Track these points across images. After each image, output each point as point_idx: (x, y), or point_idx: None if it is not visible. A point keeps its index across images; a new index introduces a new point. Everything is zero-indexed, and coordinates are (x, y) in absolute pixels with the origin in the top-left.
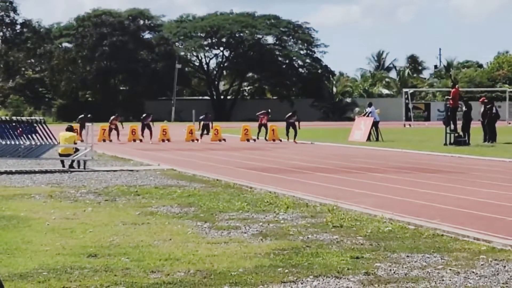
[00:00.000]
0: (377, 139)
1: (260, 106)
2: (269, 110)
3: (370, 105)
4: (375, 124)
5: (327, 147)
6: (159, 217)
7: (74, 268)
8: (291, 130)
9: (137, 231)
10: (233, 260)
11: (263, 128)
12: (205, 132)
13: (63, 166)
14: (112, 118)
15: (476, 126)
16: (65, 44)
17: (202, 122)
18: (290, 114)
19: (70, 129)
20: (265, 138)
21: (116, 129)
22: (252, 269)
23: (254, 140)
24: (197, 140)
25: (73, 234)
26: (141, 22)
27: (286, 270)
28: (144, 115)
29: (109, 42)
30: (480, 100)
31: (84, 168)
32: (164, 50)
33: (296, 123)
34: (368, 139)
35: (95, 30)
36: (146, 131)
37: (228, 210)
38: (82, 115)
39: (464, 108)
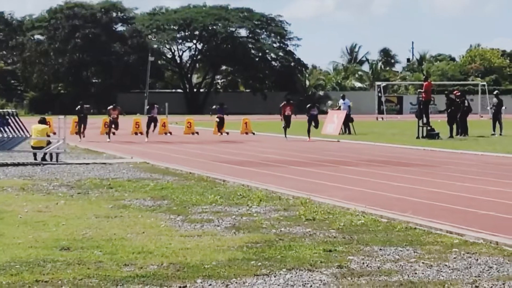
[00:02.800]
0: (349, 133)
1: (233, 99)
2: (291, 101)
3: (343, 98)
4: (346, 117)
5: (300, 140)
6: (132, 210)
7: (46, 261)
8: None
9: (110, 224)
10: (206, 253)
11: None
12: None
13: (35, 159)
14: (109, 108)
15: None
16: (37, 36)
17: (216, 115)
18: (309, 105)
19: (42, 121)
20: (284, 129)
21: (115, 122)
22: (225, 262)
23: (227, 133)
24: (170, 133)
25: (45, 227)
26: (114, 14)
27: (259, 263)
28: (147, 107)
29: (82, 35)
30: (454, 93)
31: (57, 161)
32: (137, 43)
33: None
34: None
35: (67, 23)
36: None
37: (201, 203)
38: (78, 106)
39: (446, 102)
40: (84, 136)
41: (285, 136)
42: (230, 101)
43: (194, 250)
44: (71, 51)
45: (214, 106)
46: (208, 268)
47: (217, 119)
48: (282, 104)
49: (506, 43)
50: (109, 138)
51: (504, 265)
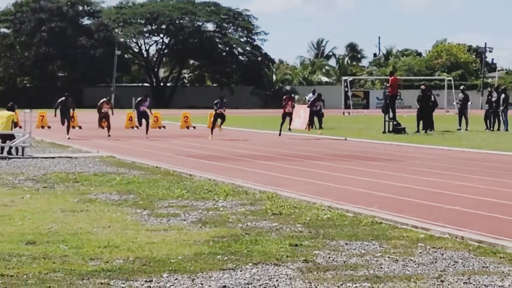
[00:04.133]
0: (320, 127)
1: (200, 94)
2: (292, 94)
3: (313, 92)
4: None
5: (266, 134)
6: (98, 204)
7: (12, 255)
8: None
9: (76, 218)
10: (172, 248)
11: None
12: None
13: (1, 152)
14: (102, 101)
15: (414, 114)
16: (3, 30)
17: (216, 111)
18: (314, 98)
19: (10, 108)
20: (289, 128)
21: (107, 117)
22: (191, 257)
23: (194, 127)
24: (137, 127)
25: (11, 221)
26: (80, 8)
27: (225, 258)
28: (139, 98)
29: (48, 28)
30: (421, 87)
31: (23, 155)
32: (104, 37)
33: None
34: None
35: (33, 16)
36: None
37: (168, 197)
38: (63, 98)
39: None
40: (69, 137)
41: (279, 134)
42: (197, 96)
43: (160, 244)
44: (37, 44)
45: (216, 101)
46: (174, 263)
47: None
48: (285, 97)
49: (472, 38)
50: (108, 133)
51: (469, 259)
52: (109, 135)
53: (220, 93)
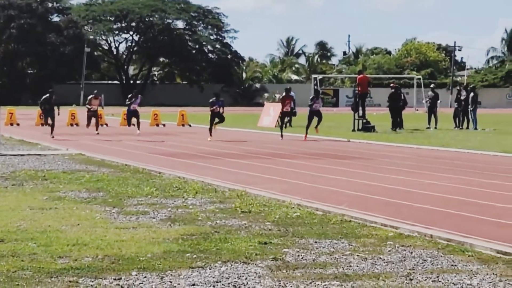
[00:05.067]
0: (290, 125)
1: (169, 91)
2: (291, 92)
3: (289, 90)
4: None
5: (236, 132)
6: (67, 202)
7: None
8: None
9: (45, 216)
10: (141, 245)
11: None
12: (216, 121)
13: None
14: (90, 97)
15: (385, 113)
16: None
17: (212, 110)
18: (312, 96)
19: None
20: (286, 125)
21: (95, 115)
22: (160, 254)
23: (164, 125)
24: (107, 124)
25: None
26: (50, 4)
27: (195, 256)
28: (129, 95)
29: (17, 25)
30: (391, 85)
31: None
32: (73, 34)
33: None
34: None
35: (2, 13)
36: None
37: (137, 195)
38: (47, 95)
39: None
40: (53, 136)
41: (281, 136)
42: (167, 93)
43: (129, 242)
44: (6, 41)
45: (211, 100)
46: (143, 261)
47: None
48: (282, 96)
49: (442, 37)
50: (96, 132)
51: (438, 258)
52: (97, 133)
53: (190, 90)
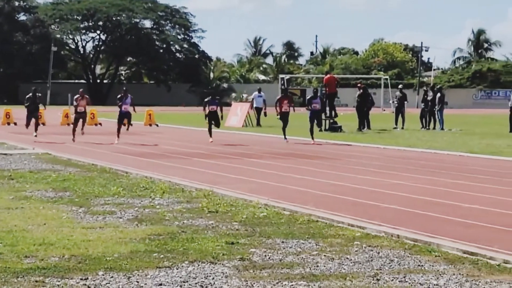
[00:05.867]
0: (257, 124)
1: (137, 91)
2: (289, 92)
3: (259, 91)
4: (259, 110)
5: (203, 132)
6: (33, 201)
7: None
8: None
9: (11, 216)
10: (108, 245)
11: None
12: (213, 123)
13: None
14: (76, 97)
15: (352, 113)
16: None
17: (208, 109)
18: (311, 96)
19: None
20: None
21: (83, 117)
22: (127, 254)
23: (131, 124)
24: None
25: None
26: (16, 3)
27: (162, 255)
28: (119, 95)
29: None
30: (358, 85)
31: None
32: (40, 33)
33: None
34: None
35: None
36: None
37: (104, 195)
38: (30, 94)
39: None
40: (36, 135)
41: (285, 137)
42: (134, 93)
43: (96, 242)
44: None
45: (206, 99)
46: (110, 260)
47: (208, 114)
48: (279, 97)
49: (409, 37)
50: (82, 132)
51: (405, 258)
52: (83, 133)
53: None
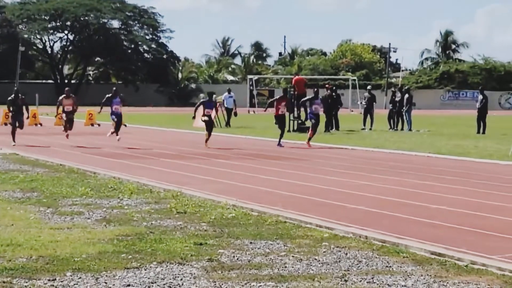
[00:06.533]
0: (227, 125)
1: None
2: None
3: (229, 91)
4: (229, 110)
5: (172, 132)
6: (0, 202)
7: None
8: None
9: None
10: (76, 246)
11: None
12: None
13: None
14: (61, 98)
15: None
16: None
17: (205, 111)
18: (312, 97)
19: None
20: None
21: (71, 117)
22: (95, 255)
23: (98, 125)
24: (41, 124)
25: None
26: None
27: (130, 256)
28: (107, 95)
29: None
30: (326, 86)
31: None
32: (7, 32)
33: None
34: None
35: None
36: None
37: (72, 195)
38: (13, 95)
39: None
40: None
41: (279, 143)
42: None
43: (64, 242)
44: None
45: (202, 99)
46: (78, 261)
47: (205, 118)
48: (276, 98)
49: (377, 38)
50: (66, 132)
51: (373, 259)
52: (67, 136)
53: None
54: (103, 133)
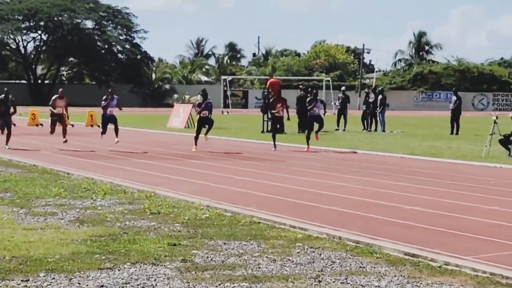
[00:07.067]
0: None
1: (78, 91)
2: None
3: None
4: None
5: (146, 133)
6: None
7: None
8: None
9: None
10: (49, 247)
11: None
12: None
13: None
14: (54, 98)
15: (292, 114)
16: None
17: (200, 113)
18: (310, 98)
19: None
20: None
21: (61, 119)
22: (69, 256)
23: (72, 125)
24: (14, 124)
25: None
26: None
27: (103, 257)
28: (104, 97)
29: None
30: (300, 87)
31: None
32: None
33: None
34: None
35: None
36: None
37: (45, 196)
38: (2, 95)
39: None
40: (8, 143)
41: (274, 146)
42: (75, 93)
43: (37, 243)
44: None
45: (197, 101)
46: (52, 262)
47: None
48: (272, 99)
49: (351, 39)
50: (64, 137)
51: (346, 259)
52: (65, 140)
53: (99, 91)
54: (77, 133)
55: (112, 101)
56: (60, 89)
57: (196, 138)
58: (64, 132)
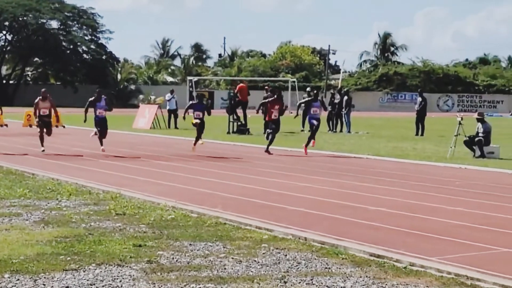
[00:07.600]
0: (175, 127)
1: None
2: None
3: (171, 92)
4: (172, 112)
5: (111, 134)
6: None
7: None
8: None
9: None
10: (14, 248)
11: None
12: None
13: None
14: (37, 100)
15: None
16: None
17: (194, 115)
18: (309, 99)
19: None
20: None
21: (46, 122)
22: (34, 257)
23: (6, 125)
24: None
25: None
26: None
27: (68, 258)
28: (91, 98)
29: None
30: (266, 88)
31: None
32: None
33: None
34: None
35: None
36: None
37: (10, 196)
38: None
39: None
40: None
41: (267, 149)
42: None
43: (1, 244)
44: None
45: (191, 101)
46: (16, 263)
47: (196, 121)
48: (268, 100)
49: (317, 40)
50: (42, 145)
51: (312, 260)
52: (43, 150)
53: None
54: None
55: (99, 101)
56: (43, 90)
57: (197, 139)
58: (48, 134)
